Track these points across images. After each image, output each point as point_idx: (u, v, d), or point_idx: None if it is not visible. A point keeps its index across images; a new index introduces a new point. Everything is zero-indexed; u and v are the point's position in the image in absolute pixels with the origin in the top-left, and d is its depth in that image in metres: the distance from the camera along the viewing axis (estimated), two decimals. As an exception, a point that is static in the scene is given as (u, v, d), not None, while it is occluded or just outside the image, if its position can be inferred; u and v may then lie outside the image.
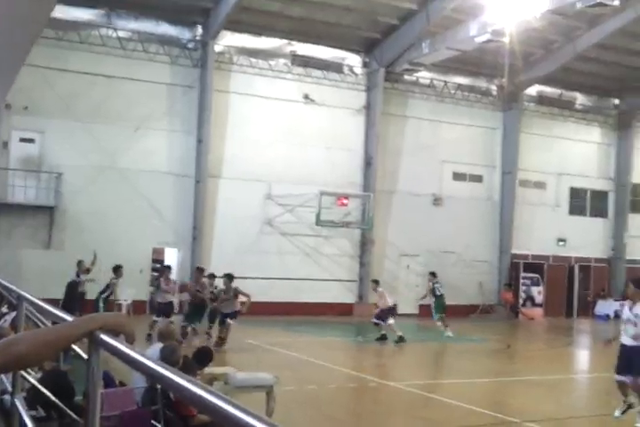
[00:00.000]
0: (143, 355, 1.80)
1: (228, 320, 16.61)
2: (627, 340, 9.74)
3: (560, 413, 11.43)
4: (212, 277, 18.22)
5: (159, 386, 6.02)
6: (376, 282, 20.55)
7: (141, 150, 24.02)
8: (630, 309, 9.78)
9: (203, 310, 17.15)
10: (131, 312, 22.28)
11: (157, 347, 7.60)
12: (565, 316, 31.45)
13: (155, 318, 16.99)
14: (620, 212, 33.54)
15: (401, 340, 18.80)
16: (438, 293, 21.56)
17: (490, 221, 30.28)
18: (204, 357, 8.03)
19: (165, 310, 17.13)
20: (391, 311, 19.46)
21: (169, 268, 19.21)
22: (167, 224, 24.53)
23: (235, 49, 26.10)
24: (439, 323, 21.32)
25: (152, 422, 6.32)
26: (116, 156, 23.67)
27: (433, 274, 22.12)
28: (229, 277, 17.15)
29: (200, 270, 18.42)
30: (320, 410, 10.69)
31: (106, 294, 17.56)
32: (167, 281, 17.72)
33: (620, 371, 9.83)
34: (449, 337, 20.86)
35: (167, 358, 6.65)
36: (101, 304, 17.34)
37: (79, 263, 19.46)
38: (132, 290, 22.74)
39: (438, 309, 21.44)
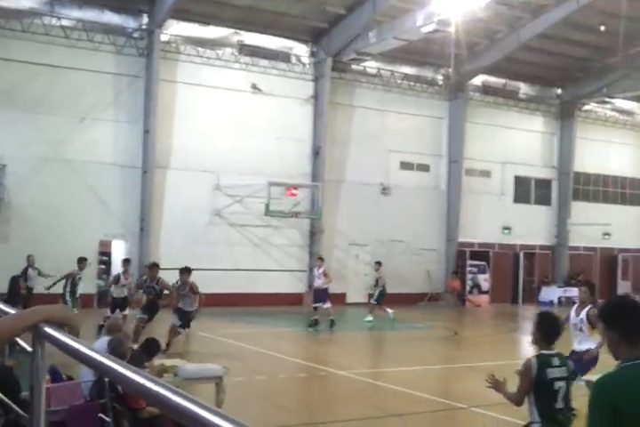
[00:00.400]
0: (90, 348, 1.80)
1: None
2: (575, 345, 9.51)
3: (506, 397, 11.65)
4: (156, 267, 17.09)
5: (107, 379, 5.99)
6: (322, 259, 20.99)
7: (87, 141, 23.63)
8: (577, 313, 9.53)
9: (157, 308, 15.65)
10: (78, 305, 21.96)
11: (104, 340, 7.55)
12: (511, 302, 32.04)
13: (109, 313, 16.63)
14: (564, 200, 34.25)
15: (333, 324, 19.18)
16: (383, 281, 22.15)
17: (437, 209, 30.62)
18: (151, 348, 8.00)
19: (122, 304, 16.86)
20: (327, 293, 19.81)
21: (129, 261, 18.58)
22: (114, 216, 24.22)
23: (181, 38, 25.81)
24: (376, 308, 21.86)
25: (100, 415, 6.29)
26: (61, 147, 23.24)
27: (380, 263, 22.45)
28: (188, 271, 15.64)
29: (156, 266, 15.86)
30: (270, 400, 10.74)
31: (69, 288, 16.97)
32: (127, 275, 17.45)
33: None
34: (369, 322, 21.52)
35: (114, 350, 6.61)
36: (68, 298, 16.61)
37: (29, 257, 19.18)
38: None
39: (382, 297, 21.83)
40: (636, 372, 3.30)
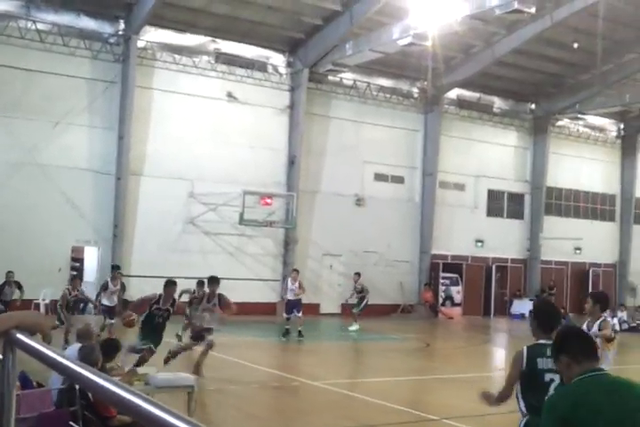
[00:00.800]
0: (61, 354, 1.77)
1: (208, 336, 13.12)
2: None
3: (478, 410, 11.62)
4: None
5: (77, 386, 5.91)
6: (297, 271, 21.63)
7: (61, 146, 23.45)
8: (589, 328, 8.40)
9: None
10: (49, 312, 21.76)
11: (76, 347, 7.46)
12: (483, 315, 32.21)
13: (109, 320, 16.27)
14: (536, 214, 34.56)
15: (300, 334, 19.29)
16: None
17: (411, 221, 30.74)
18: (109, 349, 7.87)
19: (110, 312, 16.63)
20: (301, 304, 19.95)
21: (118, 268, 18.24)
22: (87, 222, 24.01)
23: (158, 45, 25.75)
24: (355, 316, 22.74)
25: (70, 423, 6.20)
26: (34, 151, 23.03)
27: (359, 274, 23.50)
28: (217, 281, 13.83)
29: (173, 285, 12.79)
30: (242, 410, 10.67)
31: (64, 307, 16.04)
32: (115, 282, 17.24)
33: None
34: (354, 331, 22.21)
35: (86, 357, 6.53)
36: (63, 317, 15.65)
37: (8, 274, 18.94)
38: (49, 289, 22.22)
39: (364, 307, 22.87)
40: (583, 385, 3.64)
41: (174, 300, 12.55)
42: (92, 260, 24.81)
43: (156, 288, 22.08)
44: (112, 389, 1.52)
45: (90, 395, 6.19)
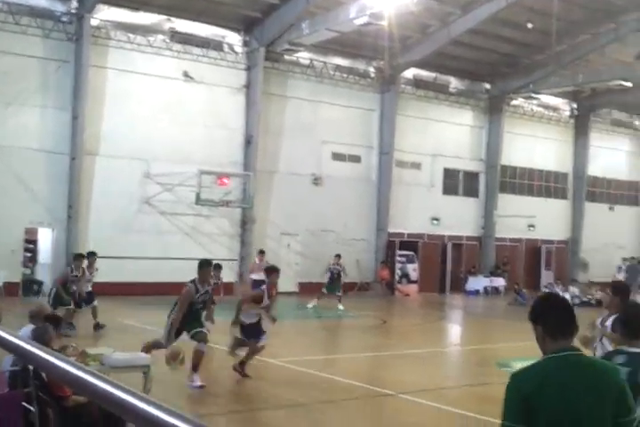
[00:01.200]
0: (14, 335, 1.81)
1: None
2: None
3: (433, 384, 11.97)
4: (218, 267, 15.44)
5: (31, 367, 5.93)
6: (263, 252, 22.51)
7: (13, 127, 23.00)
8: (603, 322, 7.46)
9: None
10: (2, 293, 21.56)
11: (29, 328, 7.45)
12: (439, 292, 32.63)
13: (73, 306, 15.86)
14: (491, 192, 35.02)
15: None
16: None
17: (367, 200, 30.93)
18: (55, 321, 7.85)
19: (89, 298, 16.33)
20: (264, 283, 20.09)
21: (94, 254, 17.77)
22: (40, 203, 23.67)
23: (112, 24, 25.30)
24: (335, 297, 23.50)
25: (24, 404, 6.22)
26: (-15, 132, 22.59)
27: (339, 256, 24.44)
28: (277, 270, 12.32)
29: (210, 266, 12.07)
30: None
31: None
32: (91, 269, 17.01)
33: None
34: (340, 310, 22.64)
35: (38, 338, 6.54)
36: (66, 296, 15.63)
37: None
38: (3, 272, 21.99)
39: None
40: (552, 365, 3.43)
41: (217, 283, 11.64)
42: (46, 241, 24.52)
43: (112, 269, 22.13)
44: (66, 368, 1.53)
45: (44, 375, 6.21)
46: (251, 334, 11.65)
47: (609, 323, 7.15)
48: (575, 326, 3.57)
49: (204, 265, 11.61)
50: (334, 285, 23.53)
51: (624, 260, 38.03)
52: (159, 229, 25.56)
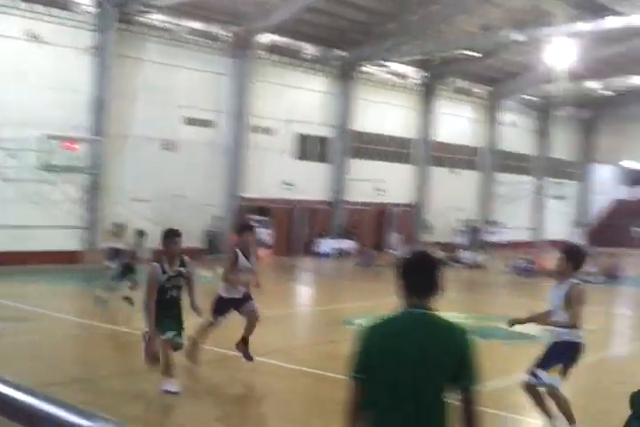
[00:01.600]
0: None
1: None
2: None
3: (283, 344, 12.61)
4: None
5: None
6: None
7: None
8: (553, 292, 7.19)
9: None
10: None
11: None
12: (290, 255, 33.40)
13: None
14: (342, 157, 36.00)
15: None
16: None
17: (221, 165, 31.04)
18: None
19: None
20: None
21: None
22: None
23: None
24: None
25: None
26: None
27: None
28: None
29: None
30: (44, 360, 10.78)
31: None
32: None
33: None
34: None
35: None
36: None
37: None
38: None
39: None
40: (399, 320, 3.59)
41: (183, 259, 9.09)
42: None
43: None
44: None
45: None
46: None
47: (560, 295, 6.99)
48: (430, 286, 3.62)
49: (169, 235, 8.97)
50: None
51: (461, 222, 40.50)
52: (3, 197, 24.44)
